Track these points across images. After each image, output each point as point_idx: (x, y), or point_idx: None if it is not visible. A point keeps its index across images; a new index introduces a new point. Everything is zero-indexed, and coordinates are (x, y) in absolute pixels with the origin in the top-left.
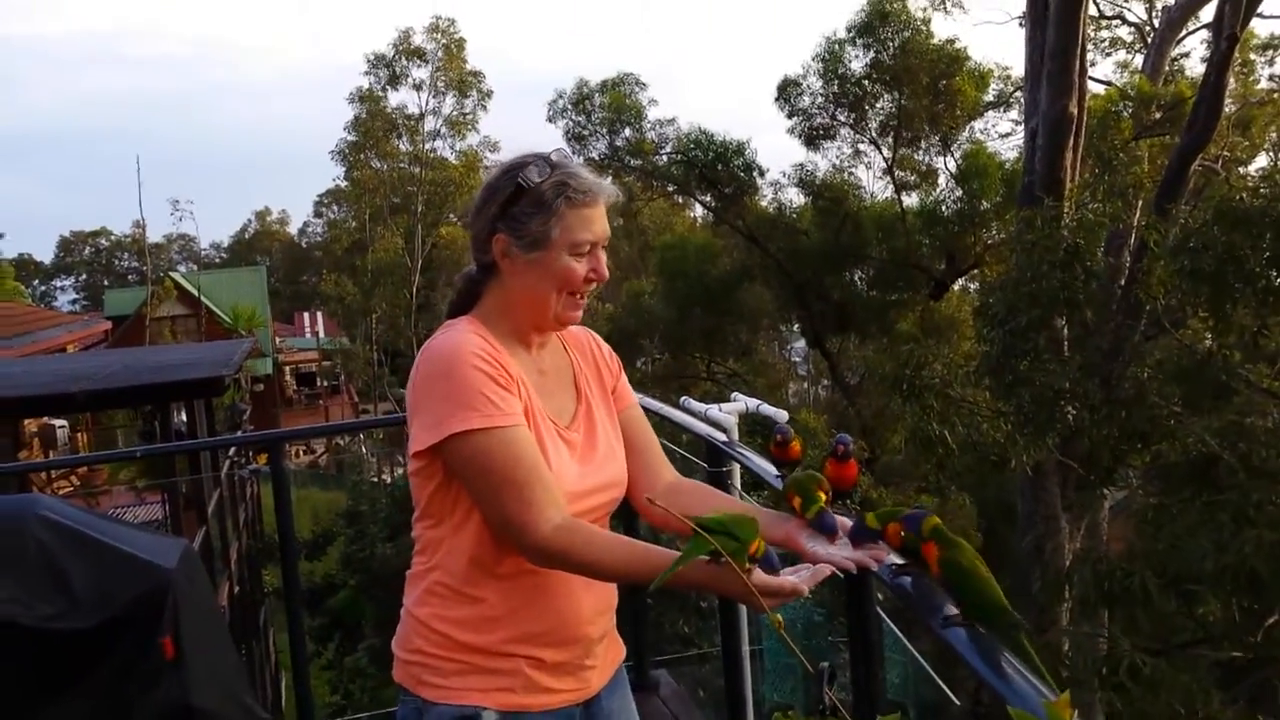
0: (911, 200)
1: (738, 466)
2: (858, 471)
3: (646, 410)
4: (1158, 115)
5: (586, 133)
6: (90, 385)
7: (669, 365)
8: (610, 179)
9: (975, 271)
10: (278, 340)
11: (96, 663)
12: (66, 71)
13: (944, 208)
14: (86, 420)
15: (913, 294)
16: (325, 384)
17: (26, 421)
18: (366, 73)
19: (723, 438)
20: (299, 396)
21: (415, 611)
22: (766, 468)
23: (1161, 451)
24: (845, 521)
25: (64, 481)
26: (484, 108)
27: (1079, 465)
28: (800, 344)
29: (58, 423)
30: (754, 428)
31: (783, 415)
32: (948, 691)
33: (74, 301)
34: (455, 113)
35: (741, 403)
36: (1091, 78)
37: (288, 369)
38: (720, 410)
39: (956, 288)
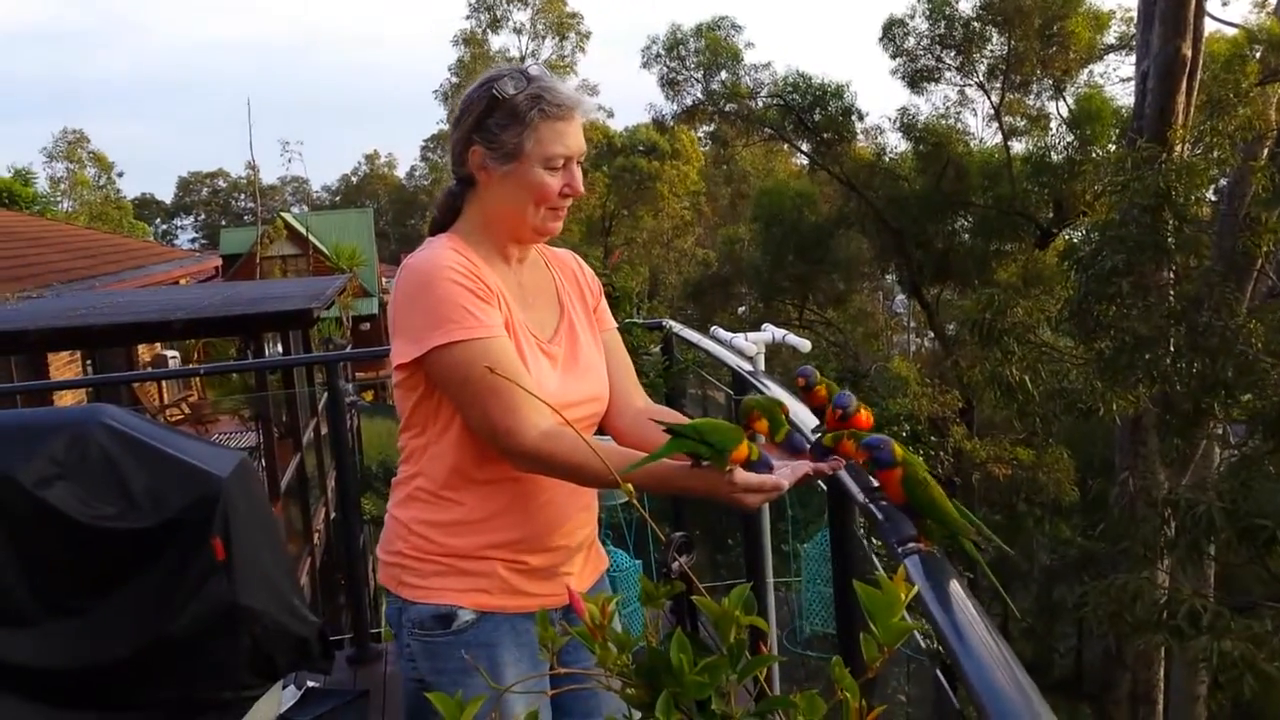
0: (1021, 146)
1: None
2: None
3: (677, 336)
4: None
5: (680, 78)
6: (185, 315)
7: (760, 312)
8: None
9: (1084, 219)
10: (384, 281)
11: (150, 561)
12: (186, 18)
13: (1053, 154)
14: (198, 351)
15: (1017, 243)
16: None
17: (141, 349)
18: (468, 16)
19: (748, 367)
20: None
21: (397, 514)
22: (784, 396)
23: (1253, 401)
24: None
25: (175, 410)
26: (582, 49)
27: (1168, 414)
28: (904, 295)
29: (170, 353)
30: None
31: (805, 345)
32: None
33: (193, 240)
34: (554, 55)
35: (769, 333)
36: (1221, 20)
37: None
38: (745, 339)
39: (1064, 236)
